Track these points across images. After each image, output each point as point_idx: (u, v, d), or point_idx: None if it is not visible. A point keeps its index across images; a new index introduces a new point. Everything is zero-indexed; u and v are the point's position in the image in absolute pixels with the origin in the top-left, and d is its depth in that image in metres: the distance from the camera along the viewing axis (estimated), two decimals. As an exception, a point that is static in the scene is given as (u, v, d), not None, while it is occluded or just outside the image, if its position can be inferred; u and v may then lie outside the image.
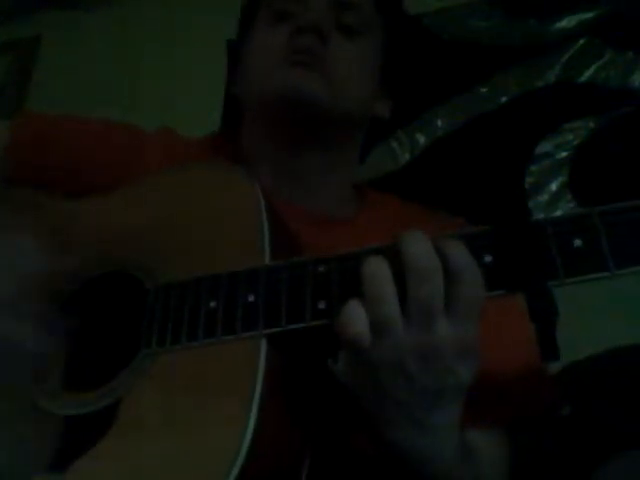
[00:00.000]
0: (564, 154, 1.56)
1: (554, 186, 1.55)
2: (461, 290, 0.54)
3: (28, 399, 0.68)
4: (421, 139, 1.69)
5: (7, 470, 0.65)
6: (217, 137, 1.04)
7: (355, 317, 0.55)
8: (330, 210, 0.91)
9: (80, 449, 0.61)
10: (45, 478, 0.62)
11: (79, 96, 1.96)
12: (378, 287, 0.55)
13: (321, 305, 0.59)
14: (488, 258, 0.55)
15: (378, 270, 0.55)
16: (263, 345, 0.59)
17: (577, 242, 0.53)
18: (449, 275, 0.54)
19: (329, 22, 0.88)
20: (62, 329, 0.70)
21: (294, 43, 0.86)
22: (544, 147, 1.58)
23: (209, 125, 1.79)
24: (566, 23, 1.64)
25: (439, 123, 1.69)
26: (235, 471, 0.54)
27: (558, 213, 1.52)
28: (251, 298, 0.61)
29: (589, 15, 1.63)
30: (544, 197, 1.55)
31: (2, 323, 0.67)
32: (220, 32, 1.82)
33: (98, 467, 0.60)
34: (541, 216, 1.51)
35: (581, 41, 1.62)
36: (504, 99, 1.65)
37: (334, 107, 0.87)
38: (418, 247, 0.55)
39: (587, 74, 1.60)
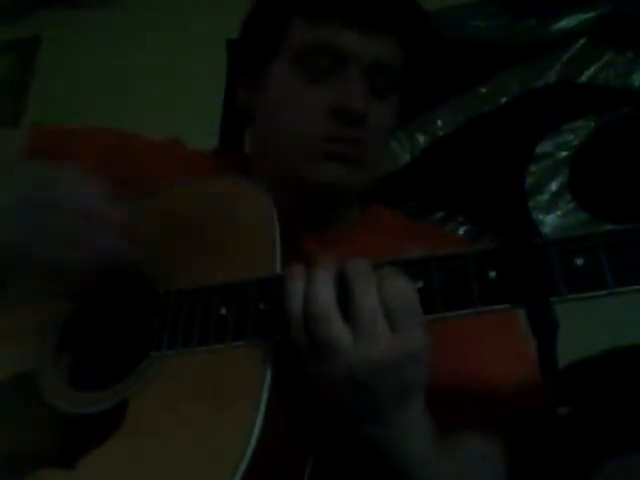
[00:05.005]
0: (564, 154, 1.57)
1: (554, 186, 1.55)
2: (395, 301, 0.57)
3: (32, 395, 0.69)
4: (421, 139, 1.70)
5: (6, 464, 0.66)
6: (223, 151, 1.04)
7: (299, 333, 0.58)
8: (332, 224, 0.92)
9: (86, 448, 0.62)
10: (51, 472, 0.63)
11: (79, 96, 1.96)
12: (323, 307, 0.57)
13: None
14: (492, 274, 0.57)
15: (323, 290, 0.58)
16: (272, 352, 0.60)
17: (579, 261, 0.55)
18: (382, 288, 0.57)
19: (367, 98, 0.83)
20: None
21: (337, 133, 0.83)
22: (544, 147, 1.58)
23: (209, 125, 1.81)
24: (566, 23, 1.65)
25: (439, 123, 1.69)
26: (239, 472, 0.55)
27: (558, 213, 1.53)
28: (262, 306, 0.62)
29: (589, 15, 1.63)
30: (544, 197, 1.55)
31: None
32: (220, 32, 1.84)
33: (106, 466, 0.61)
34: (541, 216, 1.54)
35: (581, 41, 1.62)
36: (504, 99, 1.65)
37: (361, 186, 0.89)
38: (358, 262, 0.58)
39: (587, 74, 1.60)
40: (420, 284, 0.58)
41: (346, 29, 0.81)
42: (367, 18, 0.82)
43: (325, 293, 0.57)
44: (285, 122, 0.86)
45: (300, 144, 0.84)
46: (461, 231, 1.59)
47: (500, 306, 0.57)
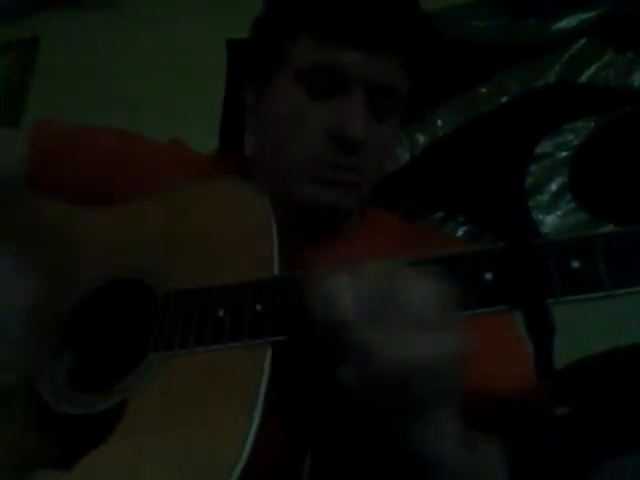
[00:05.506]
0: (564, 154, 1.57)
1: (554, 186, 1.55)
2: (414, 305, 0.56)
3: (31, 395, 0.69)
4: (421, 139, 1.70)
5: (7, 465, 0.66)
6: (223, 153, 1.04)
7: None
8: (331, 227, 0.92)
9: (84, 448, 0.62)
10: (50, 474, 0.63)
11: (79, 96, 1.96)
12: (350, 313, 0.56)
13: None
14: (489, 275, 0.57)
15: (349, 296, 0.57)
16: (268, 353, 0.61)
17: (575, 263, 0.55)
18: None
19: (367, 121, 0.81)
20: None
21: (331, 159, 0.82)
22: (544, 147, 1.58)
23: (209, 125, 1.81)
24: (566, 23, 1.65)
25: (439, 123, 1.69)
26: (236, 473, 0.55)
27: (558, 213, 1.53)
28: (259, 307, 0.63)
29: (589, 15, 1.63)
30: (544, 197, 1.55)
31: None
32: (220, 32, 1.84)
33: (103, 467, 0.61)
34: (541, 216, 1.54)
35: (581, 41, 1.63)
36: (504, 99, 1.65)
37: (354, 207, 0.88)
38: (379, 266, 0.58)
39: (587, 74, 1.60)
40: None
41: (351, 49, 0.79)
42: (373, 39, 0.80)
43: (347, 298, 0.56)
44: (283, 137, 0.85)
45: (294, 163, 0.83)
46: (461, 231, 1.59)
47: (496, 308, 0.57)
